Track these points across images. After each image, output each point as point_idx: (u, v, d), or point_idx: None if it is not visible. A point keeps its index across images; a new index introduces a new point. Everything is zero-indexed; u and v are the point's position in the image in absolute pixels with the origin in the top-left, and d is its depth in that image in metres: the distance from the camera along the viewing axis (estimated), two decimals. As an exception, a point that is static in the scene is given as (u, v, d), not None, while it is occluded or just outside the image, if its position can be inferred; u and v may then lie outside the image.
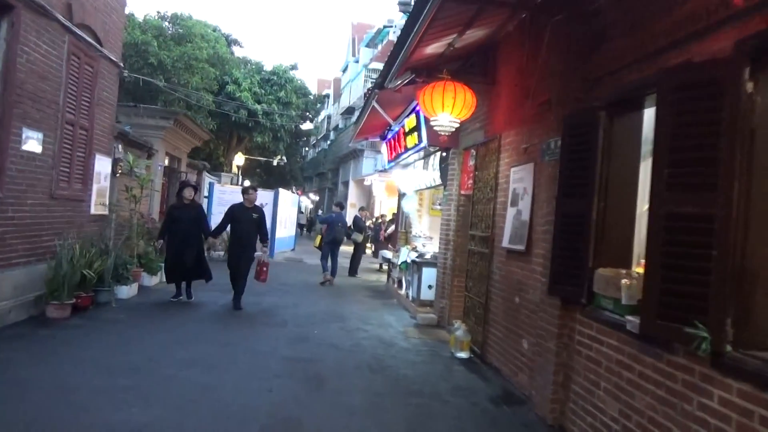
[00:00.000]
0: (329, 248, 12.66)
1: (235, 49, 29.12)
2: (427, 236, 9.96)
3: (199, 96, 19.93)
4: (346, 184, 32.98)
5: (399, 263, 10.43)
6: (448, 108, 6.05)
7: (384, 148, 12.25)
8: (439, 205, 11.47)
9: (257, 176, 35.57)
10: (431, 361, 6.23)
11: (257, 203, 9.24)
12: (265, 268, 8.78)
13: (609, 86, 4.11)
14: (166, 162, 12.31)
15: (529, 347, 5.12)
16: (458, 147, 8.31)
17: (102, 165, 8.29)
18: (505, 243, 5.84)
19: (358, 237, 14.28)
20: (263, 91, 25.10)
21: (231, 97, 23.66)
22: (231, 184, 23.40)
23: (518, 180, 5.70)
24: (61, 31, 6.70)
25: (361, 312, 9.07)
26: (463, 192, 7.99)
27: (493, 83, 6.77)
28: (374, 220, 18.71)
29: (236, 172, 26.22)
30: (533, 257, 5.19)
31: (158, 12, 20.54)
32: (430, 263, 9.05)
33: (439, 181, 8.64)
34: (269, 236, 17.91)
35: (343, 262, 15.86)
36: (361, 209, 15.37)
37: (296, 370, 5.36)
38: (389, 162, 11.89)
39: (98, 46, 7.77)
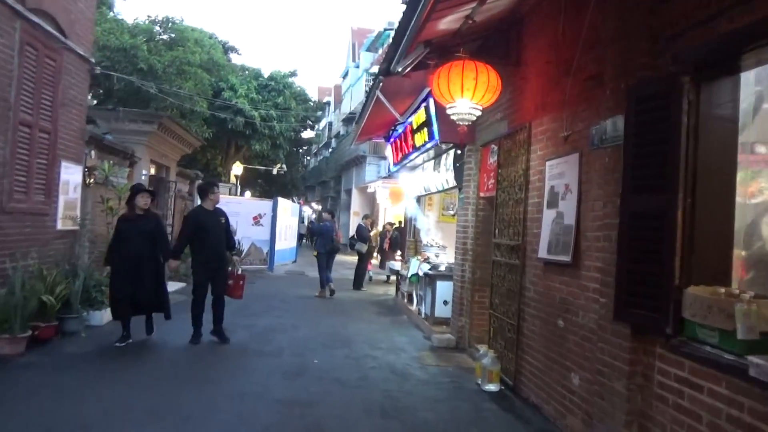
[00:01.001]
0: (326, 259, 11.76)
1: (233, 56, 28.26)
2: (440, 245, 8.95)
3: (192, 102, 18.97)
4: (348, 192, 32.04)
5: (409, 276, 9.38)
6: (468, 92, 5.03)
7: (388, 150, 11.24)
8: (452, 210, 10.45)
9: (258, 186, 34.64)
10: (455, 396, 5.17)
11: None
12: (241, 282, 7.26)
13: (693, 43, 3.08)
14: (152, 171, 11.32)
15: (582, 384, 4.06)
16: (475, 143, 7.28)
17: (70, 173, 7.29)
18: (543, 253, 4.80)
19: (363, 247, 13.25)
20: (261, 97, 24.17)
21: (227, 104, 22.73)
22: (229, 194, 22.45)
23: (557, 176, 4.66)
24: (10, 15, 5.72)
25: (368, 333, 8.02)
26: (482, 194, 6.96)
27: (517, 64, 5.75)
28: (380, 229, 17.63)
29: (234, 182, 25.26)
30: (583, 270, 4.15)
31: (149, 16, 19.63)
32: (444, 276, 8.00)
33: (453, 183, 7.62)
34: (270, 247, 17.19)
35: (348, 274, 14.83)
36: (365, 217, 14.35)
37: (292, 418, 4.31)
38: (395, 165, 10.87)
39: (61, 36, 6.79)
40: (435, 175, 8.47)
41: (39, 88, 6.41)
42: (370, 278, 16.07)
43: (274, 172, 27.63)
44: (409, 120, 8.72)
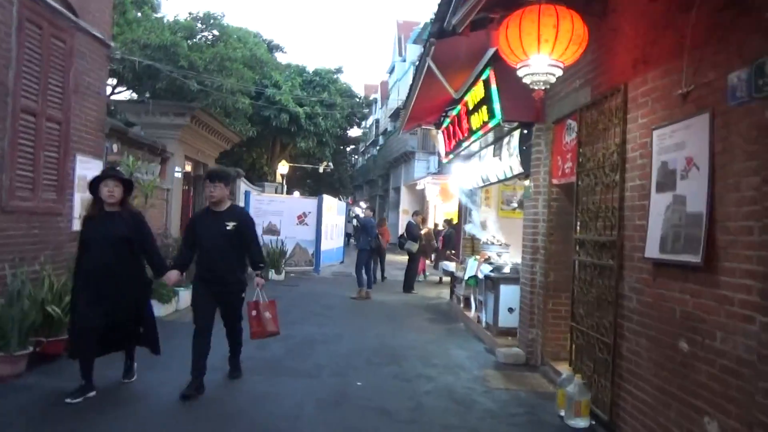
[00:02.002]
0: (367, 257, 10.96)
1: (278, 55, 27.79)
2: (502, 243, 7.80)
3: (235, 99, 18.39)
4: (397, 189, 31.09)
5: (466, 278, 8.27)
6: (546, 45, 3.90)
7: (440, 138, 10.14)
8: (514, 203, 9.28)
9: (306, 186, 34.15)
10: (534, 435, 4.06)
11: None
12: (268, 313, 5.20)
13: None
14: (188, 167, 10.64)
15: (725, 435, 2.89)
16: (545, 120, 6.11)
17: (88, 168, 6.56)
18: (652, 252, 3.62)
19: (413, 246, 12.20)
20: (305, 94, 23.49)
21: (271, 101, 22.14)
22: (276, 193, 21.89)
23: (672, 148, 3.48)
24: (4, -15, 4.98)
25: (421, 345, 6.97)
26: (556, 181, 5.78)
27: (603, 13, 4.56)
28: (433, 227, 16.49)
29: (280, 181, 24.71)
30: (722, 275, 2.97)
31: (190, 13, 19.20)
32: (509, 279, 6.86)
33: (518, 170, 6.47)
34: (316, 248, 16.39)
35: (398, 275, 13.84)
36: (415, 213, 13.30)
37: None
38: (447, 153, 9.76)
39: (71, 15, 6.06)
40: (495, 162, 7.33)
41: (45, 72, 5.69)
42: (425, 278, 14.99)
43: (321, 170, 26.93)
44: (464, 99, 7.61)
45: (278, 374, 5.34)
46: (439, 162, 26.69)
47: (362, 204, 47.17)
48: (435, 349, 6.74)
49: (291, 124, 22.66)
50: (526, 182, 6.34)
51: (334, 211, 17.79)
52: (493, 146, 7.60)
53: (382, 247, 13.87)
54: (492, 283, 6.93)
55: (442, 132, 9.81)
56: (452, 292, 10.17)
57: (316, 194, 18.87)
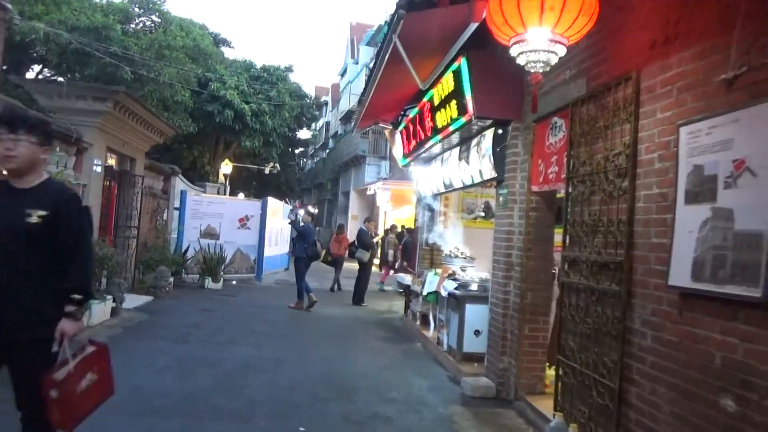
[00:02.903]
0: (306, 268, 10.30)
1: (225, 50, 26.34)
2: (467, 256, 7.03)
3: (174, 90, 17.00)
4: (346, 194, 30.17)
5: (424, 294, 7.44)
6: (551, 15, 3.10)
7: (397, 138, 9.31)
8: (477, 212, 8.55)
9: (252, 188, 32.63)
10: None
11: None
12: (88, 378, 2.62)
13: None
14: (111, 161, 9.36)
15: None
16: (523, 119, 5.37)
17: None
18: (681, 279, 2.86)
19: (364, 255, 11.31)
20: (252, 90, 22.21)
21: (215, 96, 20.77)
22: (218, 194, 20.49)
23: (710, 148, 2.74)
24: None
25: (375, 371, 6.07)
26: (536, 188, 5.03)
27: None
28: (388, 234, 15.68)
29: (223, 182, 23.29)
30: (795, 317, 2.22)
31: (126, -5, 17.65)
32: (476, 297, 6.07)
33: (489, 175, 5.70)
34: (258, 254, 15.21)
35: (349, 284, 12.91)
36: (367, 221, 12.43)
37: None
38: (405, 156, 8.94)
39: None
40: (461, 166, 6.55)
41: None
42: (383, 290, 14.14)
43: (267, 171, 25.62)
44: (428, 95, 6.80)
45: (199, 417, 4.29)
46: (391, 167, 26.04)
47: (300, 211, 45.97)
48: (392, 378, 5.85)
49: (236, 122, 21.33)
50: (502, 189, 5.56)
51: (279, 214, 16.68)
52: (458, 148, 6.81)
53: (340, 256, 13.33)
54: (457, 301, 6.11)
55: (401, 132, 8.98)
56: (407, 307, 9.32)
57: (261, 197, 17.74)
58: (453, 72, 5.67)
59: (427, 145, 7.32)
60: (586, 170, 3.96)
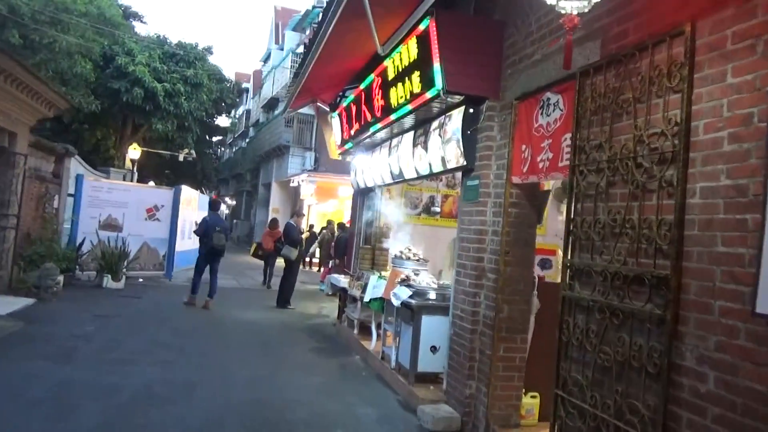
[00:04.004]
0: (205, 261, 9.47)
1: (137, 25, 23.96)
2: (419, 258, 6.08)
3: (72, 62, 14.90)
4: (267, 186, 28.58)
5: (367, 300, 6.45)
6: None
7: (335, 123, 8.23)
8: (420, 208, 7.67)
9: (164, 176, 30.13)
10: None
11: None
12: None
13: None
14: (-19, 134, 7.62)
15: None
16: (499, 97, 4.50)
17: None
18: (779, 304, 2.04)
19: (292, 253, 10.12)
20: (166, 68, 20.17)
21: (122, 72, 18.63)
22: (125, 181, 18.39)
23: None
24: None
25: (311, 397, 5.00)
26: (518, 179, 4.16)
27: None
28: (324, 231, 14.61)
29: (131, 168, 21.08)
30: None
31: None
32: (435, 308, 5.15)
33: (455, 163, 4.78)
34: (168, 248, 13.52)
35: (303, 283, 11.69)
36: (296, 215, 11.21)
37: None
38: (344, 142, 7.89)
39: None
40: (417, 153, 5.60)
41: None
42: (322, 290, 13.02)
43: (181, 158, 23.54)
44: (380, 69, 5.80)
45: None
46: (317, 158, 24.84)
47: (228, 200, 43.59)
48: (332, 407, 4.80)
49: (146, 102, 19.25)
50: (472, 180, 4.66)
51: (194, 205, 15.06)
52: (413, 133, 5.85)
53: (273, 251, 12.56)
54: (411, 312, 5.16)
55: (340, 115, 7.92)
56: (341, 312, 8.29)
57: (174, 186, 16.01)
58: (417, 37, 4.69)
59: (375, 128, 6.32)
60: (602, 156, 3.11)
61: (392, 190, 8.14)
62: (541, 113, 3.92)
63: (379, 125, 6.12)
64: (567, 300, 3.31)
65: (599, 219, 3.09)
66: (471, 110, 4.62)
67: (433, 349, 5.10)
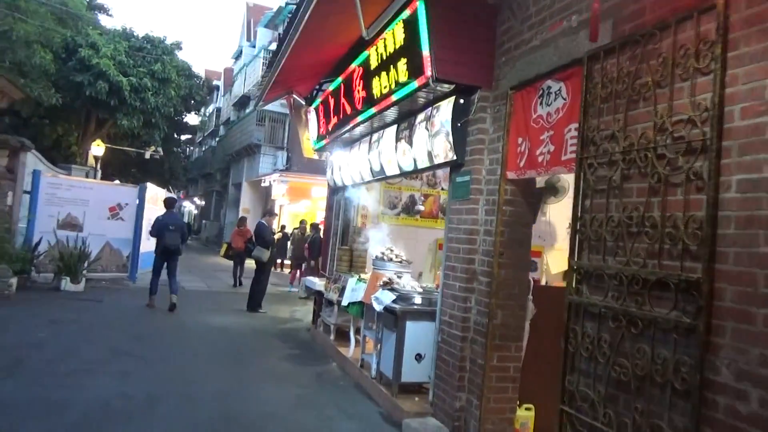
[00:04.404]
0: (161, 261, 9.15)
1: (102, 18, 23.06)
2: (402, 260, 5.71)
3: (31, 52, 14.13)
4: (238, 186, 27.92)
5: (345, 304, 6.07)
6: None
7: (311, 117, 7.84)
8: (398, 208, 7.35)
9: (129, 174, 29.10)
10: None
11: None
12: None
13: None
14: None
15: None
16: (492, 86, 4.19)
17: None
18: None
19: (263, 254, 9.66)
20: (132, 62, 19.40)
21: (86, 65, 17.82)
22: (87, 178, 17.57)
23: None
24: None
25: (286, 411, 4.60)
26: (513, 174, 3.85)
27: None
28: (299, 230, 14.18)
29: (94, 165, 20.20)
30: None
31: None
32: (420, 313, 4.81)
33: (444, 157, 4.44)
34: (133, 249, 12.81)
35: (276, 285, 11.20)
36: (268, 214, 10.73)
37: None
38: (321, 138, 7.50)
39: None
40: (401, 148, 5.26)
41: None
42: (291, 292, 12.55)
43: (147, 155, 22.70)
44: (360, 57, 5.44)
45: None
46: (289, 158, 24.31)
47: (196, 200, 42.55)
48: (309, 421, 4.41)
49: (111, 96, 18.47)
50: (462, 176, 4.33)
51: (160, 204, 14.40)
52: (395, 127, 5.50)
53: (242, 250, 12.42)
54: (394, 317, 4.80)
55: (316, 109, 7.54)
56: (316, 316, 7.88)
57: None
58: (404, 21, 4.36)
59: (355, 122, 5.95)
60: (616, 147, 2.81)
61: (371, 189, 7.79)
62: (541, 103, 3.62)
63: (359, 118, 5.76)
64: (574, 306, 3.00)
65: (612, 216, 2.80)
66: (462, 101, 4.29)
67: (418, 357, 4.76)
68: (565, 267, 6.46)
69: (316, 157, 12.21)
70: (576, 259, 3.03)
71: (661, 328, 2.44)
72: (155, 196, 13.36)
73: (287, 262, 18.26)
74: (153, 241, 11.87)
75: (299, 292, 12.00)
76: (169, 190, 20.05)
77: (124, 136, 22.35)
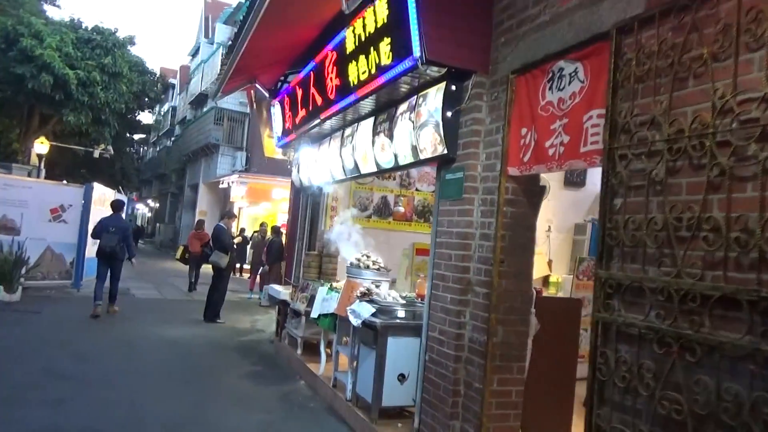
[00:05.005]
0: (102, 265, 8.66)
1: (49, 9, 21.70)
2: (380, 267, 5.12)
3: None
4: (194, 187, 26.84)
5: (314, 316, 5.46)
6: None
7: (276, 111, 7.20)
8: (370, 210, 6.83)
9: (78, 175, 27.52)
10: None
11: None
12: None
13: None
14: None
15: None
16: (489, 71, 3.69)
17: None
18: None
19: (222, 259, 8.92)
20: (80, 54, 18.20)
21: (28, 56, 16.58)
22: (29, 177, 16.31)
23: None
24: None
25: (249, 443, 3.98)
26: (515, 170, 3.36)
27: None
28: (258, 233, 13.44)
29: (37, 164, 18.87)
30: None
31: None
32: (404, 328, 4.26)
33: (432, 151, 3.91)
34: (77, 254, 11.79)
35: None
36: (226, 217, 9.96)
37: None
38: (287, 132, 6.87)
39: None
40: (379, 142, 4.71)
41: None
42: (259, 304, 11.77)
43: (96, 153, 21.37)
44: (335, 40, 4.87)
45: None
46: (248, 158, 23.44)
47: (150, 202, 40.91)
48: (277, 455, 3.81)
49: (56, 90, 17.25)
50: (454, 173, 3.81)
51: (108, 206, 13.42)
52: (372, 119, 4.95)
53: (199, 254, 11.85)
54: (373, 333, 4.24)
55: (281, 102, 6.91)
56: (280, 327, 7.23)
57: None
58: (389, -5, 3.81)
59: (326, 114, 5.37)
60: (657, 135, 2.34)
61: (339, 189, 7.21)
62: (550, 88, 3.13)
63: (332, 109, 5.18)
64: (604, 326, 2.51)
65: (654, 218, 2.32)
66: (453, 87, 3.77)
67: (401, 377, 4.21)
68: (546, 272, 6.11)
69: (279, 156, 11.54)
70: (605, 269, 2.54)
71: (730, 356, 1.96)
72: (103, 197, 12.40)
73: (246, 266, 17.50)
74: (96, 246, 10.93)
75: (261, 301, 11.28)
76: (119, 191, 18.89)
77: (72, 134, 21.00)
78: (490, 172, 3.57)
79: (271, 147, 11.53)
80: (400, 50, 3.76)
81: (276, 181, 18.31)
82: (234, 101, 24.30)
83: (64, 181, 22.90)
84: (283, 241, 10.12)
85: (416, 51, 3.57)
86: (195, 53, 37.11)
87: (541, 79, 3.22)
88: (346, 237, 5.74)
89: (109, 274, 8.70)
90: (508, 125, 3.43)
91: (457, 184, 3.75)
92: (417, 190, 7.53)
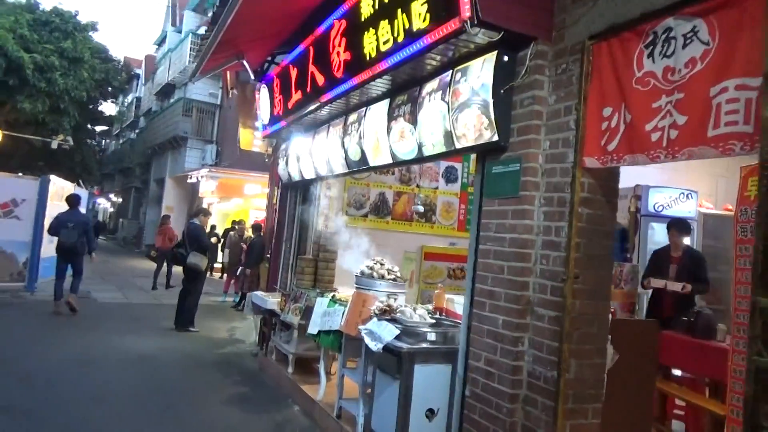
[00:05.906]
0: (63, 262, 8.40)
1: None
2: (396, 277, 4.30)
3: None
4: (160, 182, 25.57)
5: (312, 332, 4.66)
6: None
7: (263, 95, 6.35)
8: (366, 207, 6.10)
9: (35, 167, 25.79)
10: None
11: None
12: None
13: None
14: None
15: None
16: (552, 38, 2.96)
17: None
18: None
19: (201, 261, 7.98)
20: (37, 37, 16.85)
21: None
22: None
23: None
24: None
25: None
26: (593, 161, 2.64)
27: None
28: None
29: (-12, 155, 17.44)
30: None
31: None
32: (432, 353, 3.51)
33: (476, 138, 3.17)
34: (32, 254, 10.70)
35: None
36: (201, 214, 8.98)
37: None
38: (276, 119, 6.03)
39: None
40: (396, 128, 3.95)
41: None
42: (225, 302, 10.90)
43: (54, 144, 19.91)
44: (343, 7, 4.09)
45: None
46: (219, 152, 22.31)
47: (112, 197, 39.21)
48: None
49: (10, 75, 15.91)
50: (509, 164, 3.07)
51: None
52: (387, 102, 4.18)
53: (165, 250, 11.40)
54: (397, 360, 3.47)
55: (268, 86, 6.07)
56: (265, 339, 6.39)
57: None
58: (426, -60, 3.04)
59: (328, 96, 4.57)
60: None
61: (332, 184, 6.42)
62: (650, 54, 2.42)
63: (334, 91, 4.38)
64: (765, 373, 1.81)
65: None
66: (506, 58, 3.04)
67: (430, 413, 3.46)
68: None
69: (256, 149, 10.66)
70: (761, 296, 1.84)
71: None
72: (61, 191, 11.27)
73: (217, 266, 16.50)
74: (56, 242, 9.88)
75: (245, 311, 10.37)
76: (79, 185, 17.58)
77: (27, 123, 19.53)
78: (556, 163, 2.85)
79: (248, 138, 10.60)
80: (441, 10, 3.00)
81: (248, 177, 17.34)
82: (204, 92, 23.16)
83: (20, 174, 21.42)
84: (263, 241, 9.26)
85: (465, 11, 2.81)
86: (161, 42, 35.51)
87: (635, 44, 2.51)
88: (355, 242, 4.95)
89: (70, 271, 8.35)
90: (584, 104, 2.71)
91: (512, 178, 3.02)
92: (418, 186, 6.82)
